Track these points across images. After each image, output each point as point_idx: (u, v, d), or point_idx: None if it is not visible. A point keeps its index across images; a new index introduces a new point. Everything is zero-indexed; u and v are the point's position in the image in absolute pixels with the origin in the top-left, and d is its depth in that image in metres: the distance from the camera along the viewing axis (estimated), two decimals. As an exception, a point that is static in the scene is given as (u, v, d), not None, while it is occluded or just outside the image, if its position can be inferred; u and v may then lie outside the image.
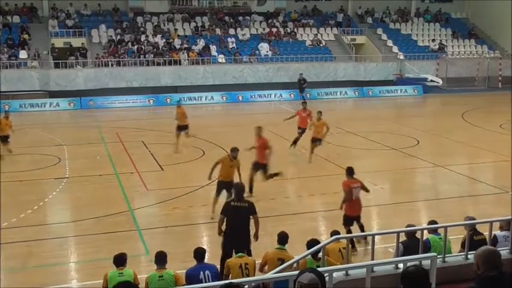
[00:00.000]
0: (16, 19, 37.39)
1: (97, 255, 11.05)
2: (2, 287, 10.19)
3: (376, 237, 7.69)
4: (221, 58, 37.14)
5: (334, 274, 5.96)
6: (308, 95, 34.22)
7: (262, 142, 14.95)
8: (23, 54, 34.34)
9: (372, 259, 7.10)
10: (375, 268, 6.22)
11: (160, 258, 7.87)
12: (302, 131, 19.79)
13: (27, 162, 18.65)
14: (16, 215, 13.32)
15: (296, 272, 6.02)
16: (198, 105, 33.25)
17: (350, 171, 11.30)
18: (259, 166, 14.85)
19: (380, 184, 16.26)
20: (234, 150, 13.18)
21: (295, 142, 19.85)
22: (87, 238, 12.21)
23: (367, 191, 11.55)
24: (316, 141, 18.55)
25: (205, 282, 7.55)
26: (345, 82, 38.02)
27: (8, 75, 32.52)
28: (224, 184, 12.97)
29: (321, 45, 40.42)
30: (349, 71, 38.71)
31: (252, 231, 9.66)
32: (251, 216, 9.58)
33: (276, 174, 15.16)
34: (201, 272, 7.72)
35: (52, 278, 10.37)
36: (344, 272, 6.18)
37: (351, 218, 11.09)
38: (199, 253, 8.08)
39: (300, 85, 33.95)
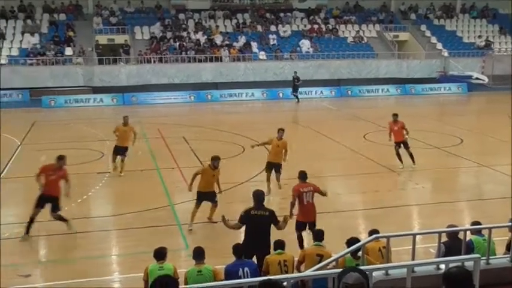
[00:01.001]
0: (62, 17, 38.32)
1: (138, 248, 11.20)
2: (49, 277, 10.47)
3: (417, 236, 7.55)
4: (262, 55, 37.17)
5: (374, 273, 5.90)
6: (298, 95, 32.97)
7: (62, 174, 12.27)
8: (68, 51, 35.17)
9: (413, 259, 6.99)
10: (416, 268, 6.13)
11: (198, 254, 7.92)
12: (398, 145, 17.44)
13: (72, 157, 18.83)
14: (61, 208, 13.63)
15: (335, 271, 5.99)
16: (239, 101, 33.38)
17: (302, 175, 10.85)
18: (49, 200, 12.09)
19: (421, 183, 16.02)
20: (216, 159, 12.32)
21: (400, 159, 17.45)
22: (128, 232, 12.42)
23: (323, 195, 10.98)
24: (273, 166, 14.85)
25: (244, 278, 7.57)
26: (387, 79, 37.54)
27: (54, 72, 33.37)
28: (205, 195, 12.42)
29: (363, 42, 40.00)
30: (392, 68, 38.20)
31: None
32: (272, 225, 9.18)
33: (63, 220, 12.15)
34: (240, 269, 7.73)
35: (95, 269, 10.58)
36: (384, 271, 6.11)
37: (302, 223, 10.58)
38: (239, 249, 8.10)
39: (294, 83, 32.75)
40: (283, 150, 14.68)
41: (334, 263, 7.04)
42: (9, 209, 14.49)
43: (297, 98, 32.75)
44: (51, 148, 20.22)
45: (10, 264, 10.77)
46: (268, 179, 14.82)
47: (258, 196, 9.36)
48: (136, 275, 8.67)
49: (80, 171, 17.21)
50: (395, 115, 17.82)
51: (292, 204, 10.72)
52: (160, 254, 7.98)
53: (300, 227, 10.62)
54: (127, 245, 11.80)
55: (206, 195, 12.44)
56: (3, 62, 33.82)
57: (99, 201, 15.32)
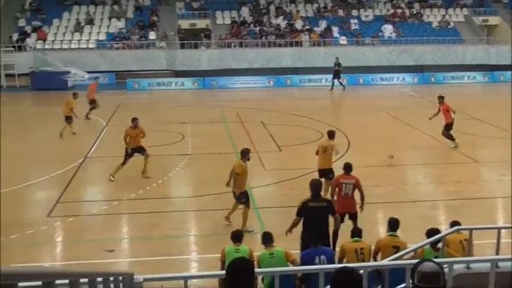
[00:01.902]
0: (147, 2, 39.36)
1: (215, 230, 11.43)
2: (131, 253, 10.90)
3: (502, 230, 7.24)
4: (343, 40, 36.64)
5: (455, 266, 5.72)
6: (344, 80, 31.95)
7: None
8: (152, 35, 36.14)
9: (497, 254, 6.72)
10: (500, 263, 5.87)
11: (267, 238, 7.98)
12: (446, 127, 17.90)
13: (154, 139, 19.52)
14: (143, 188, 14.14)
15: (413, 261, 5.85)
16: (318, 87, 33.07)
17: (346, 167, 10.47)
18: None
19: (508, 175, 15.27)
20: (247, 152, 11.49)
21: (449, 138, 17.91)
22: (206, 213, 12.69)
23: (361, 194, 10.27)
24: (327, 173, 12.61)
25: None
26: (473, 66, 35.98)
27: (139, 55, 34.40)
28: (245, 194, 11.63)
29: (449, 26, 38.50)
30: (479, 54, 36.54)
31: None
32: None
33: None
34: (317, 256, 7.68)
35: (174, 248, 10.92)
36: (465, 264, 5.90)
37: (340, 215, 9.81)
38: (313, 237, 8.06)
39: (335, 70, 31.61)
40: (334, 153, 13.05)
41: (412, 253, 6.89)
42: (96, 187, 15.21)
43: (342, 84, 31.64)
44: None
45: (97, 239, 11.31)
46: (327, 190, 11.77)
47: (315, 187, 9.12)
48: (213, 256, 8.84)
49: (161, 152, 17.73)
50: (440, 97, 18.32)
51: (331, 196, 10.34)
52: (237, 237, 8.09)
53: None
54: (204, 226, 12.06)
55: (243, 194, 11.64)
56: (91, 46, 35.27)
57: (178, 182, 15.73)
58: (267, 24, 37.44)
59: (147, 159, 15.11)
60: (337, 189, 10.42)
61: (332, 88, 31.74)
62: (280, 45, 35.75)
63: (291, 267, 7.42)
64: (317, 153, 13.07)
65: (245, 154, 11.52)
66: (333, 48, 35.82)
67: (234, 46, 35.73)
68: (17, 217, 12.45)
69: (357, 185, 10.30)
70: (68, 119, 20.09)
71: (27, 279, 2.48)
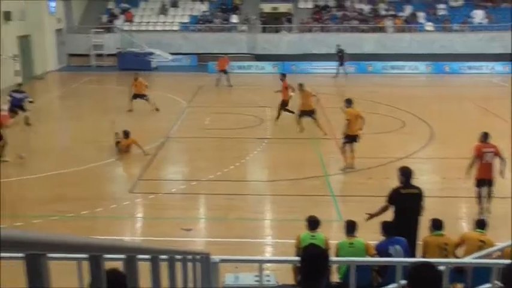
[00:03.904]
0: (230, -15, 39.59)
1: (291, 215, 11.37)
2: (208, 234, 11.09)
3: None
4: (429, 26, 35.36)
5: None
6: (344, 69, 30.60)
7: None
8: (234, 18, 36.39)
9: None
10: None
11: (351, 227, 7.82)
12: (304, 113, 18.13)
13: (233, 121, 19.80)
14: (221, 169, 14.30)
15: (500, 261, 5.56)
16: (401, 74, 32.15)
17: (484, 136, 11.13)
18: None
19: None
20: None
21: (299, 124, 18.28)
22: (283, 198, 12.68)
23: (502, 159, 10.99)
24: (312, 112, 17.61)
25: (397, 257, 7.34)
26: None
27: (220, 38, 34.74)
28: None
29: (548, 12, 36.26)
30: None
31: None
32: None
33: None
34: (390, 247, 7.50)
35: (249, 231, 10.98)
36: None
37: (480, 180, 11.02)
38: (389, 227, 7.85)
39: (339, 57, 30.50)
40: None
41: (498, 252, 6.57)
42: (175, 167, 15.59)
43: (345, 72, 30.53)
44: (214, 112, 21.28)
45: (175, 218, 11.58)
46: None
47: (407, 173, 8.72)
48: (287, 241, 8.81)
49: (240, 135, 17.89)
50: (282, 75, 20.29)
51: (472, 164, 10.98)
52: (313, 223, 7.98)
53: (479, 184, 11.10)
54: (281, 210, 12.07)
55: None
56: (175, 28, 35.98)
57: (256, 165, 15.81)
58: (349, 8, 36.77)
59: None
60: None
61: (346, 74, 30.78)
62: (362, 31, 35.01)
63: (367, 258, 7.26)
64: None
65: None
66: (419, 34, 34.70)
67: (315, 31, 35.34)
68: (102, 192, 13.01)
69: (496, 153, 10.99)
70: (143, 96, 21.15)
71: (113, 251, 2.54)
